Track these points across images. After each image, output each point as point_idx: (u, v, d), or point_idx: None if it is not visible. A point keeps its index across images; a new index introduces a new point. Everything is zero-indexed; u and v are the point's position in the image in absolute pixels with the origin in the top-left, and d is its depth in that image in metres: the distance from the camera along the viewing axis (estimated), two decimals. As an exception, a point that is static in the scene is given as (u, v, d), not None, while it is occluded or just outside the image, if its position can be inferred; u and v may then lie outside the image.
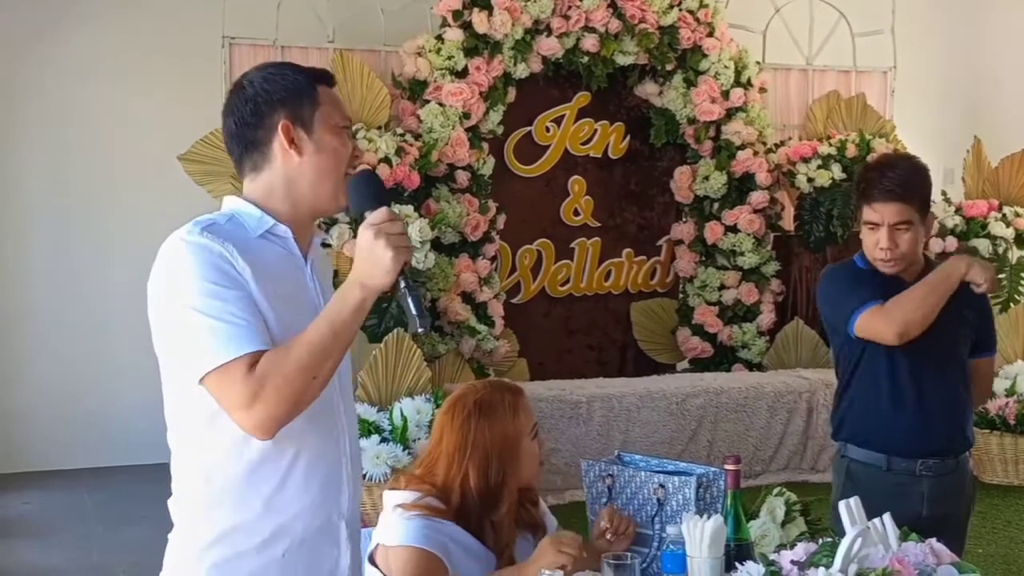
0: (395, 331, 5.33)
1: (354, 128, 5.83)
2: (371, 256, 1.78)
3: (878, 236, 2.88)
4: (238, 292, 1.81)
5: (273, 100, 1.94)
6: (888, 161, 3.08)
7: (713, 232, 6.97)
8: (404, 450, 5.09)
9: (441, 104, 6.22)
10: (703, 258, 7.11)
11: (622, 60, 6.72)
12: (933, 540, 2.04)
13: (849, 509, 2.07)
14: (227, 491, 1.89)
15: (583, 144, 6.94)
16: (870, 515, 2.11)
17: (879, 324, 2.82)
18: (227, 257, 1.83)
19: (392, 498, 2.32)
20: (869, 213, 2.89)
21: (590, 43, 6.58)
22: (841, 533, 2.01)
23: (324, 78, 2.00)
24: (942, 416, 2.91)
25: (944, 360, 2.92)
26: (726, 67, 6.85)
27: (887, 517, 2.08)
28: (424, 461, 2.40)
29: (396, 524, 2.26)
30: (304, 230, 1.99)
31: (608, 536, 2.40)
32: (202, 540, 1.91)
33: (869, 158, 6.92)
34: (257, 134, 1.94)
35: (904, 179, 2.88)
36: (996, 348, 3.13)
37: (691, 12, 6.76)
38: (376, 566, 2.28)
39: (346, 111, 2.02)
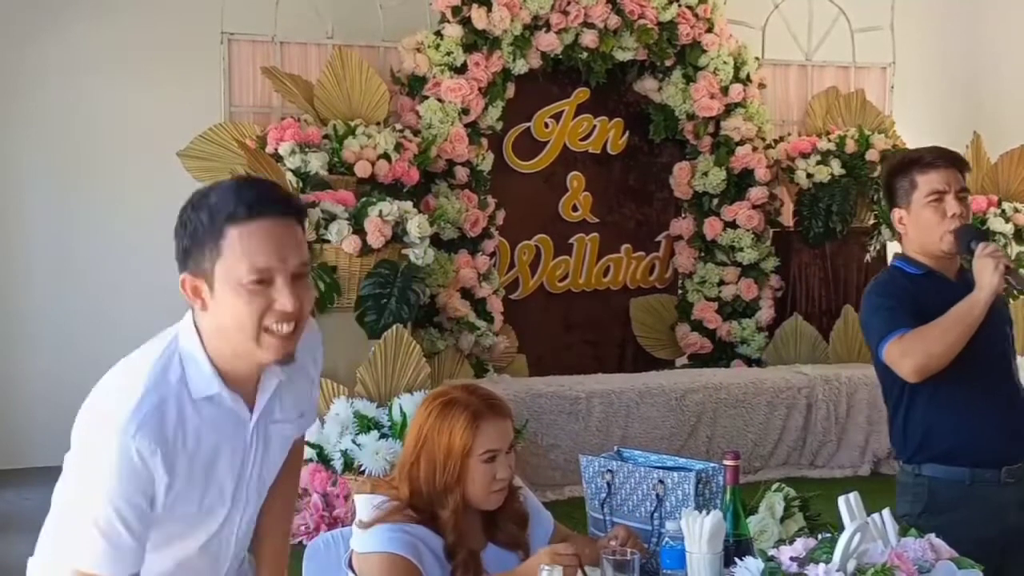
0: (394, 327, 5.33)
1: (353, 124, 5.96)
2: None
3: (945, 205, 2.67)
4: (139, 514, 1.73)
5: (181, 247, 1.73)
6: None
7: (712, 228, 6.98)
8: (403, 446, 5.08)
9: (440, 100, 6.23)
10: (702, 254, 7.11)
11: (621, 56, 6.72)
12: (932, 535, 2.04)
13: (848, 504, 2.07)
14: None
15: (582, 140, 6.94)
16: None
17: (896, 357, 2.62)
18: (149, 469, 1.72)
19: (360, 503, 2.30)
20: (932, 182, 2.68)
21: (589, 39, 6.57)
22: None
23: (239, 213, 1.67)
24: (1019, 417, 2.77)
25: (1004, 360, 2.78)
26: (725, 63, 6.84)
27: (886, 512, 2.07)
28: (400, 459, 2.39)
29: (365, 531, 2.24)
30: (245, 376, 1.81)
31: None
32: None
33: (868, 154, 6.93)
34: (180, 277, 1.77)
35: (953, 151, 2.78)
36: None
37: (690, 8, 6.76)
38: (353, 571, 2.26)
39: (262, 260, 1.68)
